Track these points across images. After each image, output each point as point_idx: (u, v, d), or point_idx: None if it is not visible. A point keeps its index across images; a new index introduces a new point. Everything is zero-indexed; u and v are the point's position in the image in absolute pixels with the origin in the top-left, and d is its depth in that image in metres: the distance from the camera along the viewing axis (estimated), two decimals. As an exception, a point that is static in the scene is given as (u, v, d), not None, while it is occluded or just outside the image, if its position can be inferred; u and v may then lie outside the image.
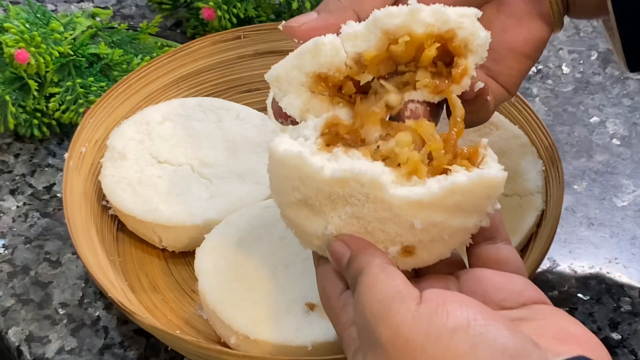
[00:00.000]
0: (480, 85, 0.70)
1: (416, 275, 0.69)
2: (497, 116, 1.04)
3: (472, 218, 0.64)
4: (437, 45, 0.68)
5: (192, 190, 0.96)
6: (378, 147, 0.66)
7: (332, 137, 0.67)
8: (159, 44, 1.21)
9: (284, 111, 0.70)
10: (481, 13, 0.70)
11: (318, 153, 0.64)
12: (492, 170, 0.63)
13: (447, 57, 0.70)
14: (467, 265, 0.70)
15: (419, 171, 0.64)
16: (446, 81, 0.70)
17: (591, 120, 1.19)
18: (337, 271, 0.67)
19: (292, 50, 0.85)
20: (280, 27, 0.72)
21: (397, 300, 0.58)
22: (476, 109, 0.74)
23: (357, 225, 0.65)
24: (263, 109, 1.07)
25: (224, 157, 1.00)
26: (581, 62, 1.29)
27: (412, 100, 0.70)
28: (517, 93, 0.96)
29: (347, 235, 0.65)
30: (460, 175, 0.62)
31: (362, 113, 0.68)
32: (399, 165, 0.64)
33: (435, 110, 0.72)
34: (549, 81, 1.26)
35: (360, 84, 0.71)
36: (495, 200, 0.64)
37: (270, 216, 0.95)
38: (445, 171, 0.64)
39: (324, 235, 0.66)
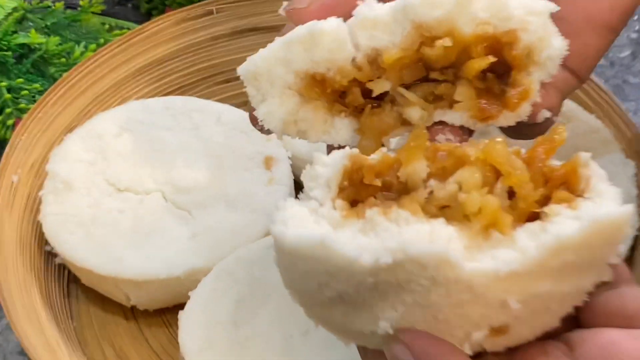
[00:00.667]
0: (545, 114, 0.61)
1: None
2: (566, 104, 0.88)
3: (588, 275, 0.53)
4: (490, 54, 0.59)
5: (167, 228, 0.84)
6: (431, 192, 0.53)
7: (357, 188, 0.54)
8: (107, 25, 1.12)
9: (259, 122, 0.61)
10: (557, 8, 0.59)
11: (344, 224, 0.52)
12: (608, 205, 0.51)
13: (501, 67, 0.60)
14: (578, 321, 0.57)
15: (501, 223, 0.51)
16: (497, 105, 0.61)
17: None
18: None
19: (276, 27, 0.93)
20: (280, 11, 0.61)
21: None
22: (532, 133, 0.63)
23: (422, 315, 0.53)
24: (247, 104, 0.90)
25: (205, 177, 0.87)
26: (635, 18, 1.14)
27: (443, 124, 0.61)
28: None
29: (410, 334, 0.54)
30: (565, 223, 0.50)
31: (406, 149, 0.54)
32: (466, 217, 0.52)
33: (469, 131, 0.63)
34: None
35: (373, 94, 0.61)
36: (620, 244, 0.53)
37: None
38: (537, 215, 0.52)
39: (374, 334, 0.54)
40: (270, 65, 0.58)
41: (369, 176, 0.54)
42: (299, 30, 0.58)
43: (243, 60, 0.88)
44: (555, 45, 0.59)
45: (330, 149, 0.63)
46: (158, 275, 0.81)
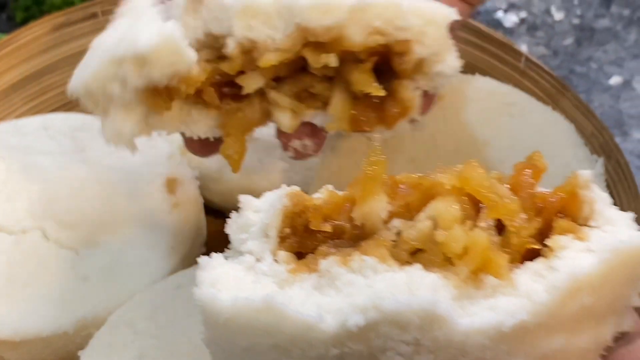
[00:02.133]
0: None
1: None
2: (515, 93, 0.83)
3: (607, 324, 0.47)
4: (376, 58, 0.58)
5: (49, 273, 0.74)
6: (398, 234, 0.46)
7: (301, 236, 0.47)
8: None
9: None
10: (457, 17, 0.59)
11: (293, 280, 0.45)
12: (624, 231, 0.45)
13: (384, 66, 0.59)
14: None
15: (495, 265, 0.44)
16: (373, 118, 0.60)
17: (611, 81, 1.01)
18: None
19: None
20: None
21: None
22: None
23: None
24: None
25: (95, 208, 0.77)
26: (575, 2, 1.08)
27: (306, 124, 0.60)
28: (528, 55, 0.85)
29: None
30: (577, 257, 0.44)
31: (362, 182, 0.48)
32: (447, 260, 0.45)
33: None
34: (540, 33, 1.07)
35: (243, 92, 0.58)
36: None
37: (187, 302, 0.70)
38: (537, 251, 0.46)
39: None
40: (102, 83, 0.55)
41: (315, 220, 0.47)
42: (125, 44, 0.54)
43: None
44: (450, 63, 0.58)
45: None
46: (40, 333, 0.71)
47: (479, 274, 0.45)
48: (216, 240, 0.67)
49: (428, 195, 0.47)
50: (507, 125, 0.82)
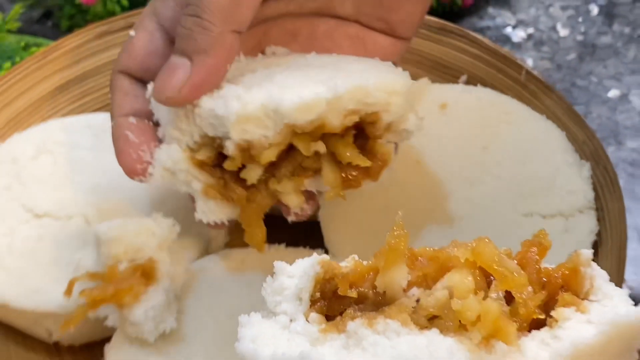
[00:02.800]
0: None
1: None
2: (511, 103, 0.89)
3: None
4: (353, 133, 0.67)
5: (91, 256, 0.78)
6: (417, 301, 0.51)
7: (330, 300, 0.52)
8: (23, 43, 1.08)
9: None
10: (412, 82, 0.69)
11: (323, 339, 0.50)
12: (621, 305, 0.50)
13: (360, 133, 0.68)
14: None
15: (505, 332, 0.49)
16: (359, 176, 0.68)
17: (610, 94, 1.04)
18: None
19: None
20: (148, 96, 0.68)
21: None
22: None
23: None
24: None
25: (132, 199, 0.84)
26: (580, 19, 1.13)
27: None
28: (529, 68, 0.90)
29: None
30: (578, 328, 0.50)
31: (385, 253, 0.52)
32: (462, 326, 0.50)
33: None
34: (545, 48, 1.11)
35: (247, 183, 0.67)
36: (635, 352, 0.52)
37: (210, 283, 0.78)
38: (542, 322, 0.51)
39: None
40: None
41: (343, 286, 0.51)
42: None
43: None
44: (412, 122, 0.68)
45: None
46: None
47: (491, 339, 0.49)
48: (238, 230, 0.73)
49: (444, 267, 0.51)
50: (504, 132, 0.86)
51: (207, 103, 0.65)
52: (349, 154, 0.66)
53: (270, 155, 0.65)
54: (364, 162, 0.66)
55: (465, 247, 0.52)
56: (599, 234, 0.80)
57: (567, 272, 0.52)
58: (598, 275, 0.52)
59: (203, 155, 0.67)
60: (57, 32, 1.14)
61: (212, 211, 0.70)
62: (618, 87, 1.05)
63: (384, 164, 0.69)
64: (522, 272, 0.51)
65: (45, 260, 0.80)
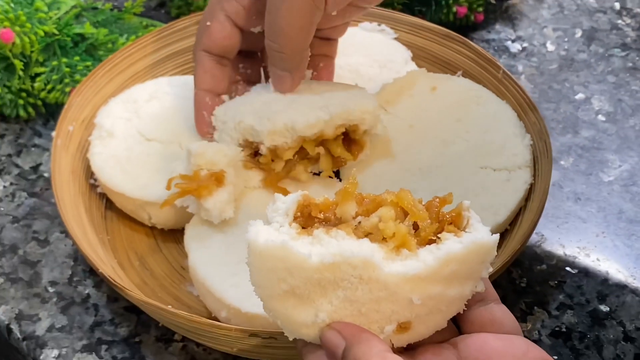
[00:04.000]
0: None
1: (409, 348, 0.66)
2: (483, 90, 1.06)
3: (467, 285, 0.64)
4: (342, 137, 0.94)
5: (181, 168, 0.94)
6: (359, 223, 0.63)
7: (306, 219, 0.64)
8: (144, 23, 1.22)
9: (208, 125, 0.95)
10: (377, 105, 0.94)
11: (298, 238, 0.62)
12: (482, 234, 0.62)
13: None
14: (460, 331, 0.68)
15: (409, 244, 0.62)
16: (344, 159, 0.95)
17: (576, 97, 1.20)
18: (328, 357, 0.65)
19: None
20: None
21: None
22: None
23: (350, 309, 0.63)
24: None
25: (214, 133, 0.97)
26: (566, 39, 1.30)
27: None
28: (505, 69, 1.03)
29: (341, 324, 0.63)
30: (453, 244, 0.62)
31: (341, 194, 0.65)
32: (384, 239, 0.62)
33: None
34: (534, 59, 1.27)
35: (275, 171, 0.94)
36: (489, 264, 0.64)
37: (259, 193, 0.97)
38: (434, 240, 0.63)
39: (314, 324, 0.64)
40: None
41: (315, 211, 0.64)
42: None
43: None
44: (380, 128, 0.94)
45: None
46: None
47: (400, 248, 0.62)
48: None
49: (379, 205, 0.64)
50: (474, 110, 1.02)
51: (249, 120, 0.90)
52: (339, 151, 0.93)
53: (289, 155, 0.92)
54: (348, 156, 0.94)
55: (393, 194, 0.64)
56: (531, 185, 0.95)
57: (454, 214, 0.64)
58: (473, 217, 0.64)
59: (245, 152, 0.94)
60: (168, 18, 1.28)
61: (250, 176, 0.95)
62: (584, 92, 1.20)
63: (360, 151, 0.96)
64: (425, 211, 0.63)
65: (152, 167, 0.95)
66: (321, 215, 0.64)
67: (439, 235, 0.63)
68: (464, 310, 0.65)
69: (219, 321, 0.84)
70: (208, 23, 0.92)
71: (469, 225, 0.64)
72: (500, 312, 0.66)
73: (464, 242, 0.62)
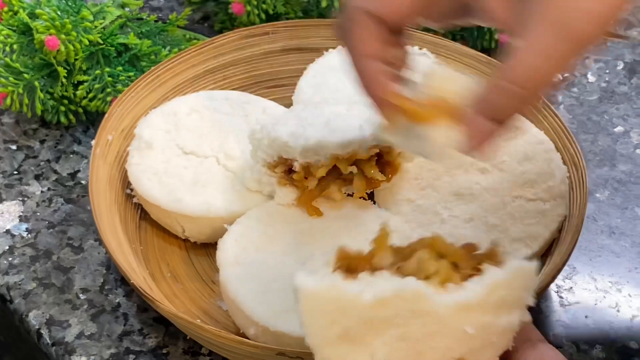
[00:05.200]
0: None
1: None
2: (522, 121, 1.02)
3: (515, 314, 0.64)
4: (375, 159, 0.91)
5: (217, 183, 0.97)
6: (399, 267, 0.64)
7: (346, 268, 0.64)
8: (187, 36, 1.23)
9: None
10: None
11: (345, 282, 0.62)
12: (521, 261, 0.64)
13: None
14: None
15: (453, 277, 0.63)
16: (378, 181, 0.93)
17: (615, 129, 1.19)
18: None
19: (318, 49, 1.12)
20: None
21: None
22: None
23: (405, 349, 0.62)
24: (289, 105, 1.08)
25: (248, 151, 0.98)
26: (607, 71, 1.30)
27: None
28: (543, 98, 1.01)
29: None
30: (495, 271, 0.63)
31: (377, 243, 0.67)
32: (427, 278, 0.63)
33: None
34: (574, 89, 1.27)
35: (308, 188, 0.93)
36: (532, 291, 0.64)
37: (291, 212, 0.98)
38: (474, 275, 0.64)
39: None
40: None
41: (354, 262, 0.64)
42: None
43: (288, 72, 1.11)
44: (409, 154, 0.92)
45: None
46: (207, 214, 0.94)
47: (445, 282, 0.62)
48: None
49: (414, 250, 0.65)
50: (513, 141, 1.01)
51: (284, 137, 0.90)
52: (372, 172, 0.93)
53: (322, 172, 0.92)
54: (381, 177, 0.93)
55: (427, 239, 0.65)
56: (565, 217, 0.94)
57: (489, 251, 0.66)
58: (506, 253, 0.66)
59: (280, 169, 0.94)
60: (211, 32, 1.28)
61: (284, 194, 0.96)
62: (623, 125, 1.19)
63: (394, 174, 0.96)
64: (461, 249, 0.65)
65: (187, 181, 0.96)
66: (359, 266, 0.64)
67: (478, 267, 0.64)
68: (512, 349, 0.65)
69: (247, 338, 0.84)
70: None
71: (505, 260, 0.64)
72: (550, 351, 0.65)
73: (507, 269, 0.62)
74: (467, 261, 0.64)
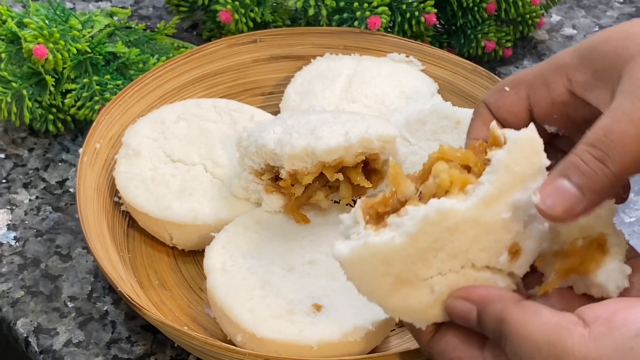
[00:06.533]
0: None
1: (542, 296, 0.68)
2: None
3: (538, 178, 0.66)
4: (361, 165, 0.91)
5: (204, 190, 0.98)
6: (421, 193, 0.67)
7: (377, 217, 0.67)
8: (175, 45, 1.24)
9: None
10: (397, 134, 0.90)
11: (378, 233, 0.64)
12: (518, 132, 0.66)
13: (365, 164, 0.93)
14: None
15: (468, 180, 0.65)
16: (364, 188, 0.93)
17: None
18: (462, 335, 0.65)
19: (306, 57, 1.13)
20: (536, 204, 0.64)
21: (564, 333, 0.58)
22: None
23: (459, 263, 0.64)
24: (276, 112, 1.09)
25: (236, 158, 0.99)
26: None
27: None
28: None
29: (461, 290, 0.64)
30: (500, 153, 0.65)
31: (392, 179, 0.69)
32: (447, 192, 0.65)
33: None
34: None
35: (295, 195, 0.93)
36: (542, 153, 0.66)
37: (279, 219, 0.98)
38: (486, 166, 0.66)
39: (436, 301, 0.65)
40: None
41: (380, 208, 0.67)
42: None
43: (276, 79, 1.10)
44: (395, 158, 0.92)
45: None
46: (195, 221, 0.95)
47: (464, 187, 0.64)
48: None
49: (429, 168, 0.67)
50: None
51: (271, 145, 0.91)
52: (358, 179, 0.94)
53: (308, 179, 0.92)
54: (367, 184, 0.94)
55: (435, 153, 0.68)
56: None
57: (491, 139, 0.68)
58: (507, 131, 0.67)
59: (267, 176, 0.95)
60: (200, 40, 1.30)
61: (271, 201, 0.97)
62: None
63: (380, 181, 0.96)
64: (469, 151, 0.67)
65: (175, 189, 0.97)
66: (388, 208, 0.66)
67: (487, 159, 0.66)
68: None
69: (234, 345, 0.85)
70: (507, 88, 0.75)
71: (507, 138, 0.66)
72: None
73: (509, 145, 0.65)
74: (477, 158, 0.66)
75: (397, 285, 0.63)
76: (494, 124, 0.68)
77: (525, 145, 0.65)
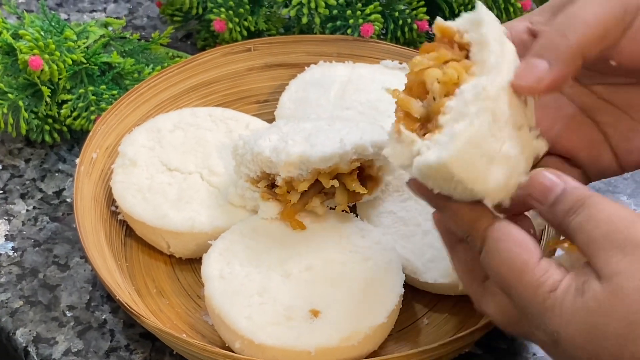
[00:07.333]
0: None
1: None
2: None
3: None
4: (356, 172, 0.93)
5: (201, 198, 0.99)
6: (434, 98, 0.70)
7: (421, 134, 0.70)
8: (170, 54, 1.24)
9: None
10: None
11: (446, 131, 0.67)
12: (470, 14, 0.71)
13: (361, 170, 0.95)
14: None
15: (467, 65, 0.70)
16: (359, 194, 0.94)
17: None
18: (520, 240, 0.66)
19: (300, 65, 1.13)
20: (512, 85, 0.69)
21: (638, 221, 0.61)
22: None
23: (511, 126, 0.67)
24: (271, 120, 1.09)
25: (232, 166, 0.99)
26: None
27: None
28: None
29: (552, 169, 0.67)
30: (479, 31, 0.70)
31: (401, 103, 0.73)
32: (455, 85, 0.69)
33: None
34: None
35: (291, 202, 0.93)
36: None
37: (275, 226, 0.99)
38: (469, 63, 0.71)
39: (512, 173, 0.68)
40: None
41: (413, 127, 0.71)
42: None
43: (271, 87, 1.11)
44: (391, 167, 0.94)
45: None
46: (192, 229, 0.95)
47: (467, 71, 0.69)
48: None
49: (422, 77, 0.71)
50: None
51: (266, 152, 0.91)
52: (354, 185, 0.95)
53: (304, 186, 0.93)
54: (363, 190, 0.95)
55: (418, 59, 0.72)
56: (545, 227, 0.95)
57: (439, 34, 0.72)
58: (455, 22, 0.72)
59: (262, 184, 0.96)
60: (194, 49, 1.30)
61: (268, 208, 0.97)
62: None
63: (376, 187, 0.98)
64: (446, 47, 0.71)
65: (172, 198, 0.97)
66: (417, 125, 0.70)
67: (462, 42, 0.71)
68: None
69: (233, 352, 0.86)
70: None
71: (466, 20, 0.72)
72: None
73: (480, 33, 0.69)
74: (451, 51, 0.70)
75: (488, 165, 0.65)
76: (438, 19, 0.73)
77: (486, 15, 0.70)
